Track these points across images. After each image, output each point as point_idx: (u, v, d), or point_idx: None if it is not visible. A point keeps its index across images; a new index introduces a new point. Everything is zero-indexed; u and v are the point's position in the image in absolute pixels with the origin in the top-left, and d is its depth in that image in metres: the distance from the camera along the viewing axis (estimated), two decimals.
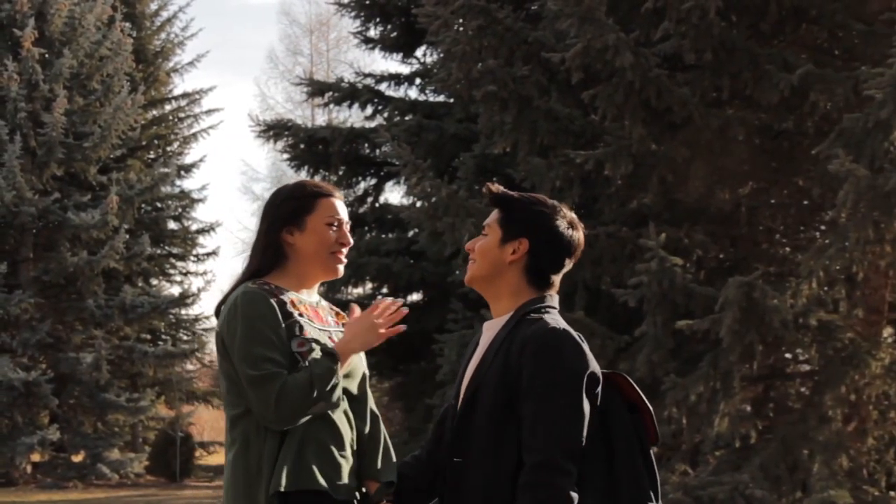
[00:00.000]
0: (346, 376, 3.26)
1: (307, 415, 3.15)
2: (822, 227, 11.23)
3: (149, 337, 25.57)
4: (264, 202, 3.49)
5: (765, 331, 9.04)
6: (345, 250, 3.39)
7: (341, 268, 3.40)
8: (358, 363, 3.33)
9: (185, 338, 26.54)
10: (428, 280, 16.59)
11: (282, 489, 3.09)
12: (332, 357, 3.19)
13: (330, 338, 3.29)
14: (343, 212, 3.41)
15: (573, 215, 3.21)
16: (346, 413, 3.25)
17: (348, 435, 3.23)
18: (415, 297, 18.09)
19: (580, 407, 2.95)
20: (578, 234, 3.18)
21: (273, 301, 3.23)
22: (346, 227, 3.40)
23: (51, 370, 21.14)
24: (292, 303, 3.28)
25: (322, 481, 3.13)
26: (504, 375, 3.00)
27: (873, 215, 8.60)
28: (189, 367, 27.30)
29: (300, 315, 3.26)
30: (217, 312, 3.32)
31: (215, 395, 28.45)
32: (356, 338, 3.27)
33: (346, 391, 3.25)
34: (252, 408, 3.16)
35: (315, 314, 3.34)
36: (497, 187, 3.23)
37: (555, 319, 3.09)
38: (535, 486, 2.88)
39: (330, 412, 3.20)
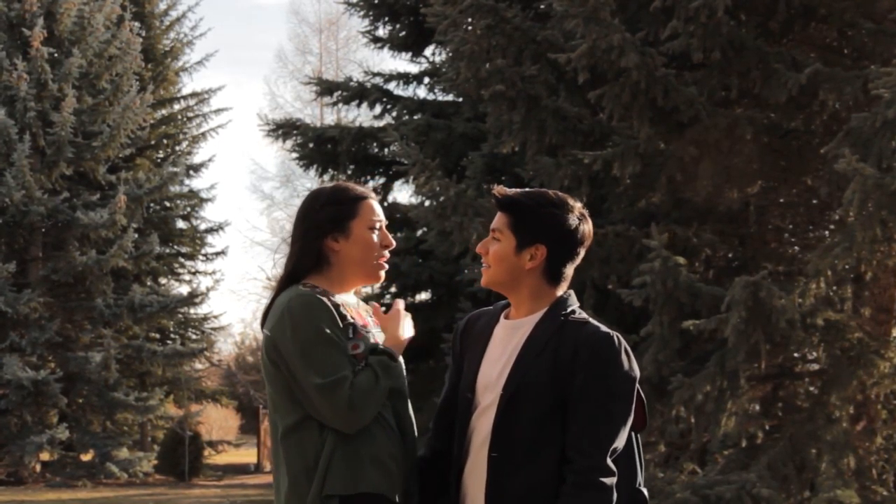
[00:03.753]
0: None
1: (377, 411, 3.10)
2: (831, 227, 11.21)
3: (157, 336, 25.64)
4: (299, 205, 3.36)
5: (771, 330, 9.01)
6: (387, 254, 3.32)
7: (383, 273, 3.33)
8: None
9: (193, 337, 26.61)
10: (436, 279, 16.61)
11: (340, 493, 3.04)
12: (388, 353, 3.18)
13: (374, 339, 3.25)
14: (381, 213, 3.33)
15: (580, 205, 3.23)
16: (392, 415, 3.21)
17: (397, 438, 3.19)
18: (423, 296, 18.10)
19: (630, 412, 3.08)
20: (588, 225, 3.23)
21: (328, 303, 3.15)
22: (385, 228, 3.34)
23: (60, 369, 21.19)
24: (343, 305, 3.22)
25: (379, 484, 3.09)
26: (555, 375, 3.05)
27: (881, 214, 8.57)
28: (198, 366, 27.36)
29: (351, 318, 3.21)
30: (263, 319, 3.22)
31: (224, 394, 28.55)
32: (403, 329, 3.28)
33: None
34: (321, 414, 3.06)
35: (358, 316, 3.28)
36: (503, 191, 3.22)
37: (600, 324, 3.16)
38: (585, 487, 2.98)
39: (384, 414, 3.15)
